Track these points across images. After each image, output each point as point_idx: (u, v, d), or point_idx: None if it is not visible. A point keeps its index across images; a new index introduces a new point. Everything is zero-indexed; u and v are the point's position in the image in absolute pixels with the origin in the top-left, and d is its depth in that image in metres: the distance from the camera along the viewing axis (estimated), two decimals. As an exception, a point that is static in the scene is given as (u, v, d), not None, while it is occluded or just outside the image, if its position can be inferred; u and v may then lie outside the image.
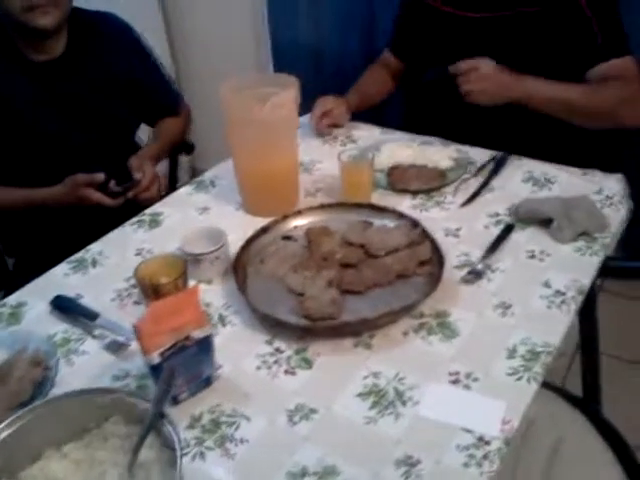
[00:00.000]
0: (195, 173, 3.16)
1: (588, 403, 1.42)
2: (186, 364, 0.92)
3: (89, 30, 1.45)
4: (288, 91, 1.28)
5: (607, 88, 1.49)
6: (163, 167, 1.85)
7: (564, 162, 1.49)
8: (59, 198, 1.50)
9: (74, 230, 1.58)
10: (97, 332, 1.10)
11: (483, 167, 1.49)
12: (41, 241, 1.64)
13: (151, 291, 1.09)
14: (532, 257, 1.19)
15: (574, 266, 1.15)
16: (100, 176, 1.47)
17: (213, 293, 1.16)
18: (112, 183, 1.49)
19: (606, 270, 1.17)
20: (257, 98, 1.27)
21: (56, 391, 0.97)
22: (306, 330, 1.04)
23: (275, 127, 1.29)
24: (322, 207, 1.34)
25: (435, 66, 1.76)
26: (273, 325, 1.06)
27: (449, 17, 1.66)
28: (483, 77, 1.47)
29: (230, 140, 1.35)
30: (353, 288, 1.11)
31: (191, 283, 1.14)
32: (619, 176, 1.41)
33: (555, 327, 1.02)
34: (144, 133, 1.83)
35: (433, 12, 1.69)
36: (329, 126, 1.69)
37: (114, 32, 1.61)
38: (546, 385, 0.97)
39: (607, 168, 1.47)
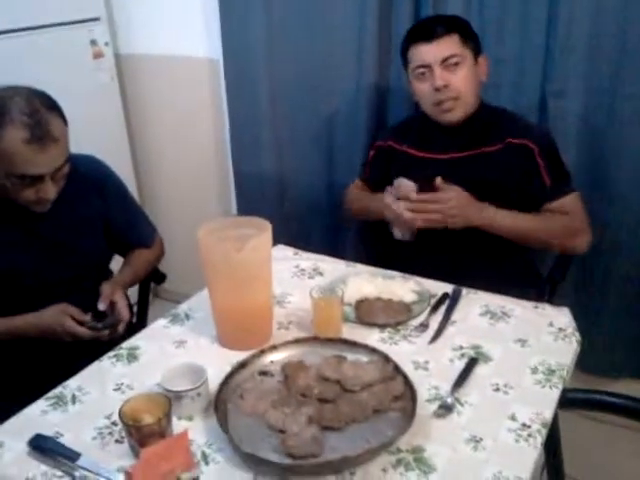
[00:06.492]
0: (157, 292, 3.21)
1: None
2: (175, 508, 0.94)
3: (71, 174, 1.51)
4: (265, 234, 1.37)
5: (557, 220, 1.70)
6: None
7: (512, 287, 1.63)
8: (42, 325, 1.50)
9: (42, 361, 1.58)
10: (78, 474, 1.09)
11: (441, 302, 1.59)
12: (6, 373, 1.63)
13: (135, 431, 1.10)
14: (497, 390, 1.26)
15: (536, 399, 1.23)
16: (87, 318, 1.52)
17: (195, 430, 1.18)
18: (89, 317, 1.53)
19: (565, 401, 1.26)
20: (234, 240, 1.35)
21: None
22: (289, 469, 1.07)
23: (252, 268, 1.37)
24: (297, 342, 1.39)
25: None
26: (256, 463, 1.09)
27: (419, 159, 1.85)
28: (454, 207, 1.66)
29: (208, 279, 1.42)
30: (332, 425, 1.15)
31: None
32: (565, 310, 1.53)
33: (524, 461, 1.08)
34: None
35: (403, 155, 1.88)
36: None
37: (93, 175, 1.68)
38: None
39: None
